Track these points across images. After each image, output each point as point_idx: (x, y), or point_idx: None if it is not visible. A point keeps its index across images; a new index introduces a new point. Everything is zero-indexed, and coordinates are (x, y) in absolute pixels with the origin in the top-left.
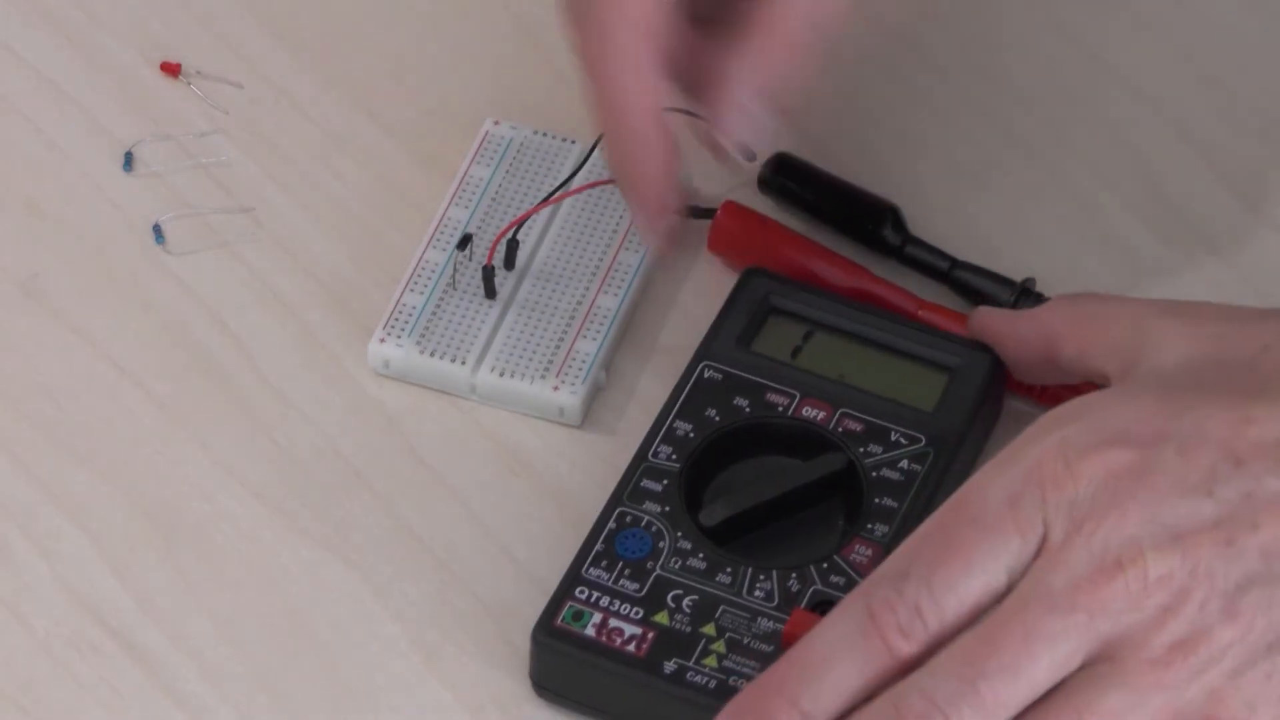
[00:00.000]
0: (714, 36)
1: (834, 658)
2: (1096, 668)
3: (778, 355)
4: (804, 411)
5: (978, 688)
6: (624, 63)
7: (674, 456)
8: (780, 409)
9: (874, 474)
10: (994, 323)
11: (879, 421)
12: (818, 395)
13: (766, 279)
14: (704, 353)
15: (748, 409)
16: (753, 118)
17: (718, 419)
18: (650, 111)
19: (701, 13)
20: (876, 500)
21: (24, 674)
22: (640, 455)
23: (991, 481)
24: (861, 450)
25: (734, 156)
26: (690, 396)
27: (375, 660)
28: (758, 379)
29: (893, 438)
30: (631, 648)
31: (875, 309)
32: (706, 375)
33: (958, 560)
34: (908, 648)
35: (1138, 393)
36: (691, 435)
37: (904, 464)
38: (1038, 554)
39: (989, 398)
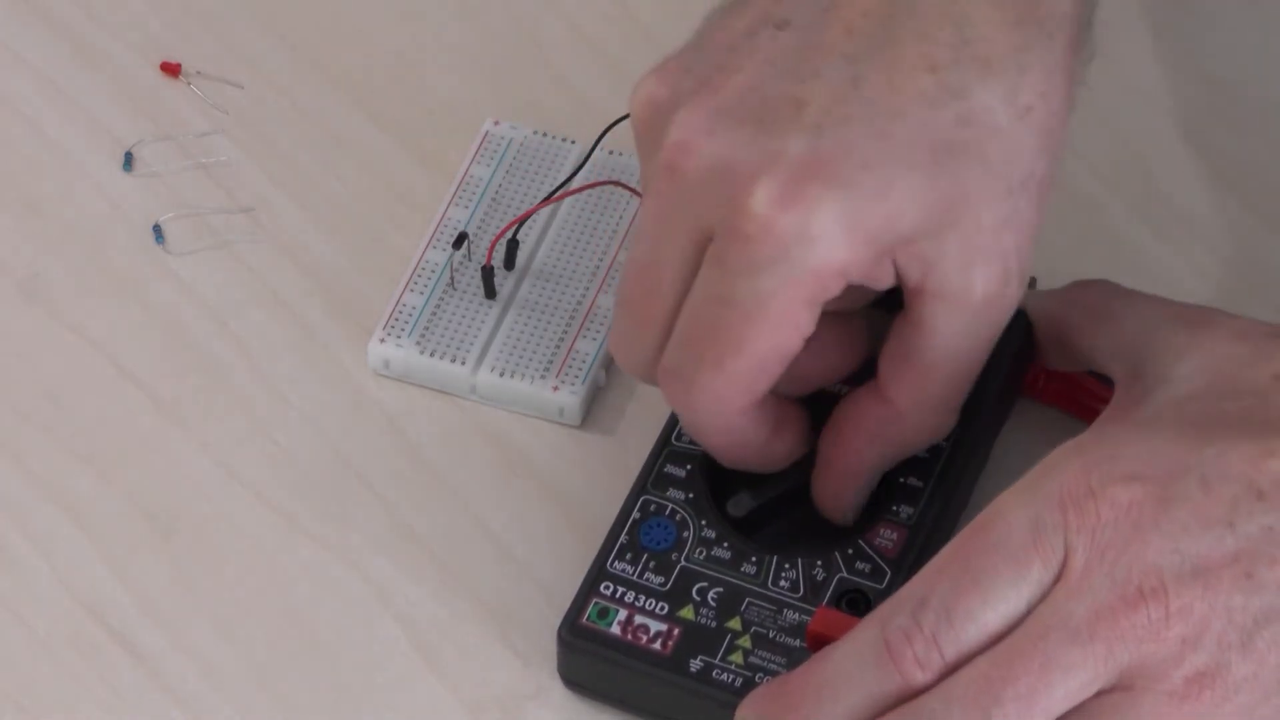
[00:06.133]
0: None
1: (848, 682)
2: (1112, 696)
3: None
4: None
5: (991, 716)
6: (741, 398)
7: None
8: None
9: None
10: None
11: None
12: None
13: None
14: None
15: None
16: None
17: None
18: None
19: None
20: (901, 480)
21: (24, 674)
22: (663, 440)
23: (1014, 508)
24: None
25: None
26: None
27: (375, 660)
28: None
29: None
30: (657, 645)
31: None
32: None
33: (979, 590)
34: (923, 677)
35: (1157, 422)
36: None
37: None
38: (1057, 579)
39: (1016, 363)
